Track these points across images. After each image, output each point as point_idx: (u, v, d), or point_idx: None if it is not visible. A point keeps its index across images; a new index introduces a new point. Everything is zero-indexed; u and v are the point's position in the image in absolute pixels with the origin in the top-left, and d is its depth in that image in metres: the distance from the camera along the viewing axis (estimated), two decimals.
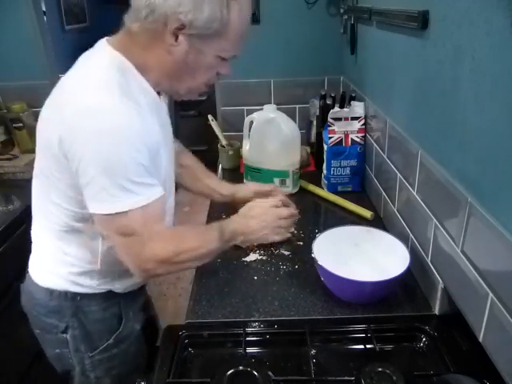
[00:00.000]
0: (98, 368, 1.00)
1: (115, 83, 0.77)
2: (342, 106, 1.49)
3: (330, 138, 1.40)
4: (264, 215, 1.06)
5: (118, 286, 0.98)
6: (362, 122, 1.39)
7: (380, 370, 0.69)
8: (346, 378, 0.73)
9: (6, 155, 1.78)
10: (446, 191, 0.80)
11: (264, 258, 1.12)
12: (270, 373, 0.72)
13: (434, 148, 0.87)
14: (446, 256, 0.81)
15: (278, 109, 1.43)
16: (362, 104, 1.39)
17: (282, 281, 1.03)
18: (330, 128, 1.40)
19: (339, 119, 1.39)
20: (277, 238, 1.11)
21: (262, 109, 1.43)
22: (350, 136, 1.40)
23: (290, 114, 1.48)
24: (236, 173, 1.66)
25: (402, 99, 1.07)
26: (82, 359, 0.98)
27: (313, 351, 0.81)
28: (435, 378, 0.72)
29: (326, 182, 1.47)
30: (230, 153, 1.70)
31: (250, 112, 1.51)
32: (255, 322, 0.90)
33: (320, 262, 0.93)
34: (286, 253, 1.13)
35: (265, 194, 1.20)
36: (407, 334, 0.86)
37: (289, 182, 1.43)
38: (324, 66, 1.83)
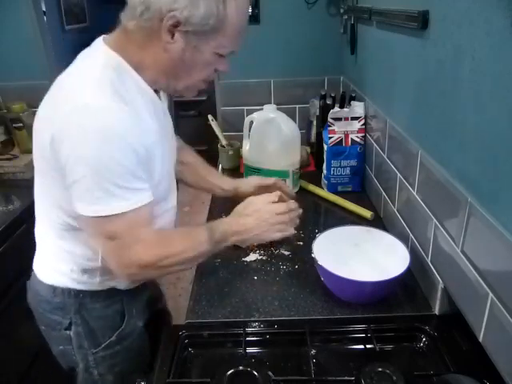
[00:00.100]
0: (101, 365, 1.00)
1: (108, 83, 0.77)
2: (342, 106, 1.49)
3: (330, 138, 1.40)
4: (259, 212, 0.99)
5: (120, 283, 0.98)
6: (362, 121, 1.39)
7: (380, 369, 0.69)
8: (346, 377, 0.73)
9: (5, 155, 1.78)
10: (446, 191, 0.80)
11: (264, 258, 1.12)
12: (270, 373, 0.72)
13: (434, 148, 0.87)
14: (446, 256, 0.81)
15: (278, 109, 1.43)
16: (361, 104, 1.39)
17: (282, 281, 1.03)
18: (330, 128, 1.40)
19: (339, 119, 1.39)
20: (278, 235, 1.01)
21: (262, 109, 1.43)
22: (350, 136, 1.40)
23: (290, 114, 1.48)
24: (236, 173, 1.66)
25: (402, 99, 1.07)
26: (85, 356, 0.99)
27: (313, 351, 0.81)
28: (435, 378, 0.72)
29: (325, 181, 1.47)
30: (230, 153, 1.70)
31: (250, 112, 1.51)
32: (255, 322, 0.90)
33: (320, 262, 0.93)
34: (286, 253, 1.13)
35: (267, 188, 1.18)
36: (407, 334, 0.86)
37: (289, 181, 1.43)
38: (324, 66, 1.83)
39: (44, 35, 1.86)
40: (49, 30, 1.99)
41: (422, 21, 0.85)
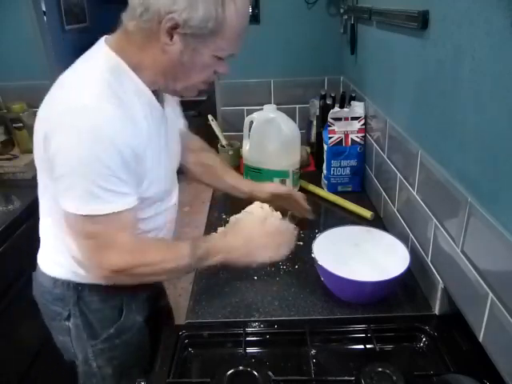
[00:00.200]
0: (100, 357, 1.01)
1: (106, 84, 0.78)
2: (342, 106, 1.49)
3: (330, 137, 1.40)
4: (248, 230, 0.96)
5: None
6: (362, 121, 1.39)
7: (380, 369, 0.69)
8: (346, 377, 0.73)
9: (5, 155, 1.77)
10: (446, 191, 0.80)
11: None
12: (270, 373, 0.72)
13: (434, 148, 0.87)
14: (446, 256, 0.81)
15: (278, 109, 1.43)
16: (362, 104, 1.39)
17: (282, 281, 1.03)
18: (330, 128, 1.40)
19: (339, 119, 1.39)
20: (267, 259, 0.95)
21: (262, 109, 1.43)
22: (350, 136, 1.40)
23: (290, 114, 1.48)
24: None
25: (402, 99, 1.07)
26: (84, 348, 1.00)
27: (313, 351, 0.81)
28: (435, 378, 0.72)
29: (325, 181, 1.47)
30: (230, 153, 1.70)
31: (250, 112, 1.51)
32: (255, 322, 0.90)
33: (320, 262, 0.93)
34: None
35: (282, 197, 1.18)
36: (407, 334, 0.86)
37: (289, 182, 1.43)
38: (324, 66, 1.83)
39: (44, 35, 1.86)
40: (49, 30, 1.99)
41: (421, 21, 0.85)
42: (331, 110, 1.40)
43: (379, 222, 1.26)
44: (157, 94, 0.90)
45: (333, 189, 1.45)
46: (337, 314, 0.92)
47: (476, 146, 0.70)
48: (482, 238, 0.68)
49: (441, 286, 0.86)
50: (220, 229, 1.21)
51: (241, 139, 1.54)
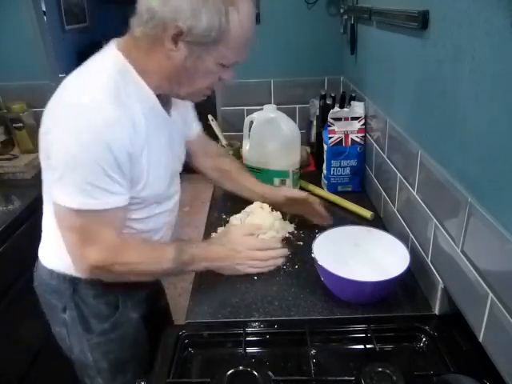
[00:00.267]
0: (96, 350, 1.02)
1: (112, 85, 0.80)
2: (342, 106, 1.49)
3: (330, 137, 1.40)
4: (233, 243, 1.01)
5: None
6: (362, 121, 1.39)
7: (380, 369, 0.69)
8: (346, 377, 0.73)
9: (6, 155, 1.77)
10: (446, 191, 0.80)
11: None
12: (270, 373, 0.72)
13: (434, 148, 0.87)
14: (446, 256, 0.81)
15: (278, 109, 1.43)
16: (362, 104, 1.39)
17: (282, 281, 1.03)
18: (330, 128, 1.40)
19: (339, 119, 1.39)
20: (251, 271, 1.02)
21: (262, 109, 1.43)
22: (350, 136, 1.40)
23: (290, 114, 1.48)
24: None
25: (402, 99, 1.07)
26: (80, 340, 1.01)
27: (313, 351, 0.81)
28: (435, 378, 0.72)
29: (326, 181, 1.47)
30: (230, 153, 1.70)
31: (250, 112, 1.51)
32: (255, 322, 0.90)
33: (320, 262, 0.93)
34: (287, 252, 1.13)
35: (298, 201, 1.19)
36: (407, 334, 0.86)
37: (289, 182, 1.43)
38: (324, 66, 1.83)
39: (44, 35, 1.85)
40: (49, 30, 1.99)
41: (421, 21, 0.85)
42: (331, 110, 1.40)
43: (379, 222, 1.26)
44: (163, 97, 0.92)
45: (333, 189, 1.45)
46: (337, 314, 0.92)
47: (476, 146, 0.70)
48: (482, 238, 0.68)
49: (441, 286, 0.86)
50: (220, 229, 1.21)
51: (241, 139, 1.54)
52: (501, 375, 0.64)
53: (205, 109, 1.38)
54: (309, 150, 1.74)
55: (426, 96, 0.90)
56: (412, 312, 0.91)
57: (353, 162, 1.41)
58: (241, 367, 0.72)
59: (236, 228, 1.10)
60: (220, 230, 1.20)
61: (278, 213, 1.20)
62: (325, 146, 1.43)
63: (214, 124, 1.70)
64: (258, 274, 1.04)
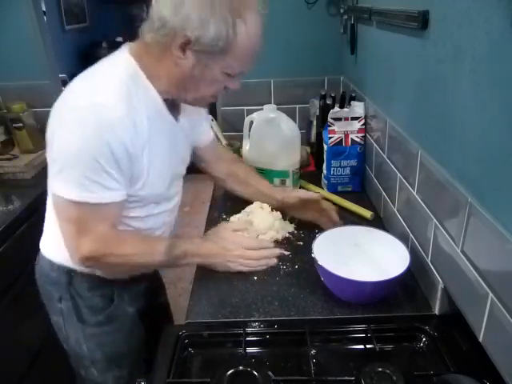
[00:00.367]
0: (90, 341, 1.03)
1: (123, 86, 0.83)
2: (342, 106, 1.49)
3: (330, 137, 1.40)
4: (224, 240, 1.02)
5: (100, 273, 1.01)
6: (362, 121, 1.39)
7: (380, 369, 0.69)
8: (346, 377, 0.73)
9: (5, 155, 1.77)
10: (446, 191, 0.80)
11: None
12: (270, 373, 0.72)
13: (434, 148, 0.87)
14: (446, 256, 0.81)
15: (278, 109, 1.43)
16: (361, 104, 1.39)
17: (282, 281, 1.03)
18: (330, 128, 1.40)
19: (339, 119, 1.39)
20: (243, 269, 1.03)
21: (262, 109, 1.43)
22: (350, 136, 1.40)
23: (290, 114, 1.48)
24: None
25: (402, 99, 1.07)
26: (75, 330, 1.03)
27: (313, 351, 0.81)
28: (435, 378, 0.72)
29: (326, 181, 1.47)
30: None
31: (250, 112, 1.51)
32: (255, 322, 0.90)
33: (320, 262, 0.93)
34: (286, 253, 1.13)
35: (310, 203, 1.17)
36: (407, 334, 0.86)
37: (289, 182, 1.43)
38: (324, 66, 1.83)
39: (44, 35, 1.85)
40: (49, 30, 1.99)
41: (422, 21, 0.85)
42: (331, 110, 1.40)
43: (379, 222, 1.26)
44: (171, 103, 0.94)
45: (333, 189, 1.45)
46: (337, 314, 0.92)
47: (476, 146, 0.70)
48: (482, 238, 0.68)
49: (441, 286, 0.86)
50: None
51: (241, 139, 1.54)
52: (501, 375, 0.64)
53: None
54: (309, 150, 1.74)
55: (426, 96, 0.90)
56: (412, 312, 0.91)
57: (353, 162, 1.41)
58: (241, 367, 0.72)
59: (227, 225, 1.11)
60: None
61: (278, 213, 1.20)
62: (325, 146, 1.43)
63: (213, 124, 1.70)
64: (257, 274, 1.04)
